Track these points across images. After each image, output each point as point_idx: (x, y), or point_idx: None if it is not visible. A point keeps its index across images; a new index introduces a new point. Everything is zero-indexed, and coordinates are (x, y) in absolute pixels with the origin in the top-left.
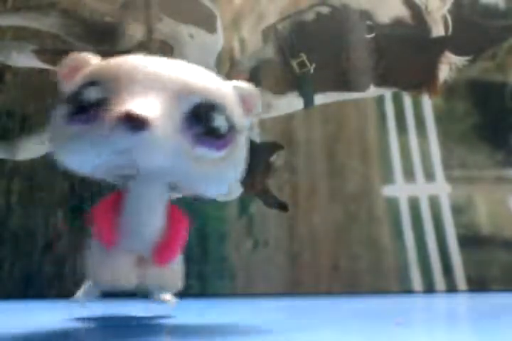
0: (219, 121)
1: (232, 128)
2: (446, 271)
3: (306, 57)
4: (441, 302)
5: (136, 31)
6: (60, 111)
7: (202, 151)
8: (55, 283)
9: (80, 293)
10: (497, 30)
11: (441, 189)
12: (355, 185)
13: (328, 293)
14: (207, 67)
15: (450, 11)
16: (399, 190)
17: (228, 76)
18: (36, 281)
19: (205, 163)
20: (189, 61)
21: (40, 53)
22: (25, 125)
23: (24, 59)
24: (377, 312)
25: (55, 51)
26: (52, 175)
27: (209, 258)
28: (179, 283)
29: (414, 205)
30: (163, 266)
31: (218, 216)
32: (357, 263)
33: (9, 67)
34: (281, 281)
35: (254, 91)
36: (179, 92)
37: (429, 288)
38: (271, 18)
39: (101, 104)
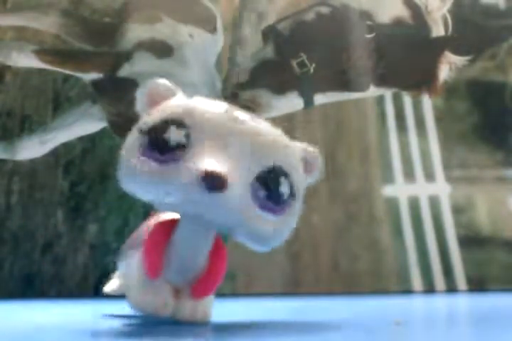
0: (284, 188)
1: (293, 195)
2: (446, 271)
3: (306, 57)
4: (441, 302)
5: (136, 31)
6: (136, 140)
7: (262, 214)
8: (55, 283)
9: (108, 287)
10: (497, 30)
11: (441, 189)
12: (355, 185)
13: (328, 293)
14: (207, 67)
15: (450, 11)
16: (399, 190)
17: (228, 76)
18: (36, 281)
19: (264, 224)
20: (189, 61)
21: (40, 53)
22: (25, 125)
23: (24, 59)
24: (377, 312)
25: (55, 51)
26: (52, 175)
27: None
28: (209, 317)
29: (414, 205)
30: (198, 300)
31: None
32: (357, 263)
33: (9, 67)
34: (281, 281)
35: (317, 155)
36: (257, 154)
37: (429, 288)
38: (271, 18)
39: (181, 150)
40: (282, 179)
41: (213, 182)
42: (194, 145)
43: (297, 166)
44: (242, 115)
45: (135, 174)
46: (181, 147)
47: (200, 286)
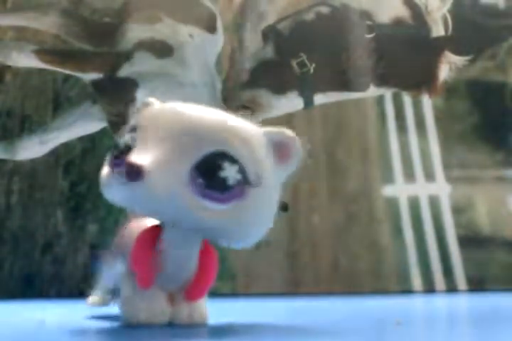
0: (228, 172)
1: (244, 180)
2: (446, 271)
3: (306, 57)
4: (441, 302)
5: (136, 31)
6: (110, 152)
7: (205, 203)
8: (55, 283)
9: (93, 298)
10: (497, 30)
11: (441, 189)
12: (355, 185)
13: (328, 293)
14: (207, 67)
15: (450, 11)
16: (399, 189)
17: (228, 76)
18: (36, 281)
19: (209, 214)
20: (189, 61)
21: (40, 53)
22: (25, 125)
23: (24, 59)
24: (377, 312)
25: (55, 51)
26: (52, 175)
27: None
28: (207, 319)
29: (414, 205)
30: (193, 303)
31: None
32: (357, 263)
33: (9, 67)
34: (281, 281)
35: (289, 136)
36: (191, 143)
37: (429, 288)
38: (271, 18)
39: (128, 152)
40: (225, 164)
41: (128, 172)
42: (135, 145)
43: (255, 151)
44: (189, 109)
45: (103, 184)
46: (130, 149)
47: (194, 289)
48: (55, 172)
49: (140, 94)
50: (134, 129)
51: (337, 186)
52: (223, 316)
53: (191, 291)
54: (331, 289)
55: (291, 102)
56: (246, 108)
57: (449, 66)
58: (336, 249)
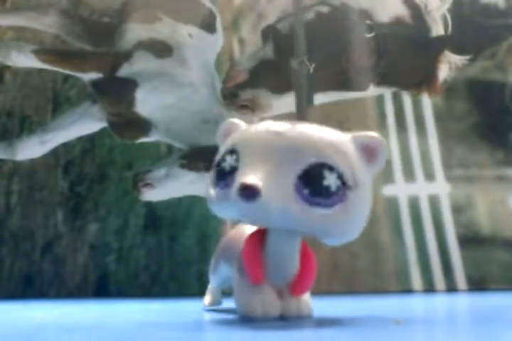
0: (330, 180)
1: (344, 185)
2: (446, 271)
3: (306, 57)
4: (441, 301)
5: (135, 31)
6: (211, 175)
7: (313, 210)
8: (55, 283)
9: (207, 299)
10: (497, 30)
11: (441, 188)
12: None
13: (328, 292)
14: (207, 67)
15: (450, 10)
16: (399, 189)
17: (228, 76)
18: (36, 281)
19: (318, 219)
20: (189, 61)
21: (39, 53)
22: (25, 125)
23: (24, 59)
24: (377, 312)
25: (54, 51)
26: (52, 175)
27: (209, 258)
28: (312, 311)
29: (414, 205)
30: (299, 298)
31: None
32: (357, 263)
33: (9, 67)
34: None
35: (375, 139)
36: (291, 159)
37: (429, 288)
38: (270, 18)
39: (233, 173)
40: (326, 173)
41: (246, 193)
42: (241, 166)
43: (348, 157)
44: (282, 126)
45: (211, 201)
46: (234, 170)
47: (298, 285)
48: (55, 172)
49: (140, 94)
50: (232, 152)
51: None
52: (223, 316)
53: (296, 287)
54: (330, 288)
55: (291, 102)
56: (245, 107)
57: (448, 66)
58: (335, 248)
